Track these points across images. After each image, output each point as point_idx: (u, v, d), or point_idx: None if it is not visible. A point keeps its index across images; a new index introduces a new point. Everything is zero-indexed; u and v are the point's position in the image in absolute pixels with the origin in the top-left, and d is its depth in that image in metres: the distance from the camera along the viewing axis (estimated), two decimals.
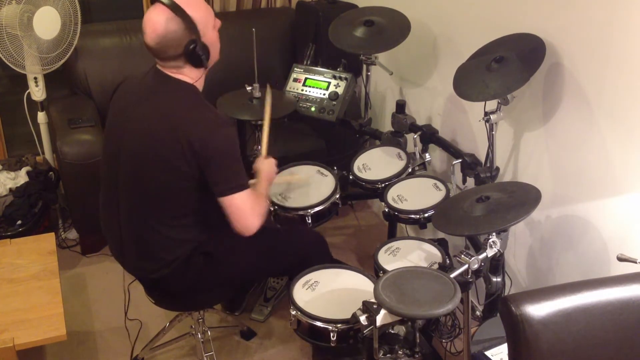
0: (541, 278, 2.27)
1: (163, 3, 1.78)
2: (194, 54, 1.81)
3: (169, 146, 1.81)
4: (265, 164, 2.13)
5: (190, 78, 1.88)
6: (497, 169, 2.24)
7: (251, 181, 2.02)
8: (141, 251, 1.97)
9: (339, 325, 1.86)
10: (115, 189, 1.95)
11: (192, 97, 1.87)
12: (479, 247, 1.91)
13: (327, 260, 2.26)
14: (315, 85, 2.85)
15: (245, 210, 1.88)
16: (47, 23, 2.75)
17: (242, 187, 1.87)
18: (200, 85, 1.92)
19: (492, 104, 2.12)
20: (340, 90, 2.80)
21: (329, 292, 2.00)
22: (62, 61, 2.92)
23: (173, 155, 1.81)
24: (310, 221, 2.33)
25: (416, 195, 2.34)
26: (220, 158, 1.82)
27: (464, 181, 2.34)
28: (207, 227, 1.99)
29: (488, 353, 1.87)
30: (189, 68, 1.86)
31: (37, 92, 2.99)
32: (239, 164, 1.89)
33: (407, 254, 2.14)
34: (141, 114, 1.86)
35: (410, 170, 2.48)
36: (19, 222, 2.78)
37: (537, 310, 1.32)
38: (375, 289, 1.66)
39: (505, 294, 2.21)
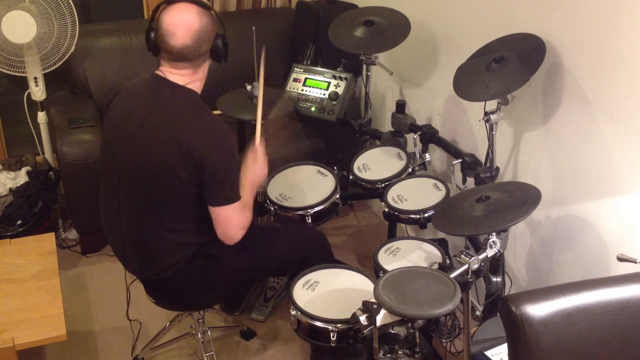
0: (541, 278, 2.27)
1: (188, 0, 1.79)
2: (220, 48, 1.85)
3: (171, 154, 1.80)
4: (252, 172, 2.01)
5: (196, 79, 1.88)
6: (497, 169, 2.24)
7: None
8: (144, 255, 1.97)
9: (339, 325, 1.86)
10: (116, 195, 1.94)
11: (194, 104, 1.87)
12: (479, 247, 1.91)
13: (327, 258, 2.26)
14: (315, 85, 2.85)
15: (231, 222, 1.90)
16: (20, 27, 2.71)
17: (234, 199, 1.87)
18: (201, 86, 1.92)
19: (492, 104, 2.12)
20: (340, 90, 2.80)
21: (329, 292, 2.00)
22: (61, 62, 2.91)
23: (174, 162, 1.80)
24: (310, 221, 2.33)
25: (416, 195, 2.34)
26: (217, 169, 1.82)
27: (464, 181, 2.34)
28: (210, 230, 1.98)
29: (488, 353, 1.87)
30: (205, 66, 1.89)
31: (37, 92, 2.99)
32: (236, 176, 1.90)
33: (407, 254, 2.14)
34: (142, 122, 1.85)
35: (410, 170, 2.48)
36: (19, 222, 2.78)
37: (537, 310, 1.32)
38: (375, 289, 1.66)
39: (505, 294, 2.21)
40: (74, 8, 2.83)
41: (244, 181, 2.03)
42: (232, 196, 1.88)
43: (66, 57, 2.91)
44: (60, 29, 2.84)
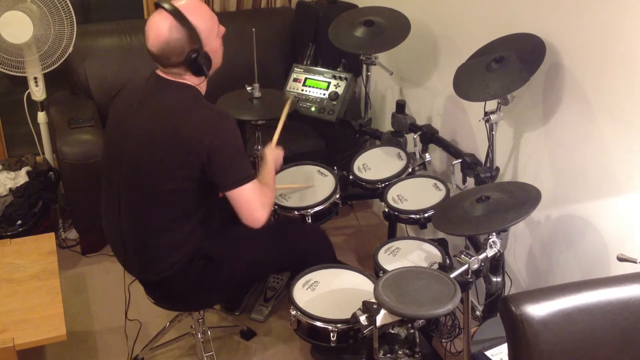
0: (541, 278, 2.27)
1: (167, 10, 1.75)
2: (196, 63, 1.80)
3: (170, 148, 1.80)
4: (274, 152, 2.15)
5: (189, 81, 1.87)
6: (497, 169, 2.24)
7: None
8: (144, 255, 1.97)
9: (339, 325, 1.86)
10: (117, 194, 1.94)
11: (192, 97, 1.86)
12: (479, 247, 1.91)
13: (329, 257, 2.26)
14: (315, 85, 2.85)
15: (252, 201, 1.86)
16: (17, 27, 2.71)
17: (248, 178, 1.85)
18: (202, 90, 1.91)
19: (492, 104, 2.12)
20: (340, 90, 2.80)
21: (329, 292, 2.00)
22: (59, 62, 2.91)
23: (174, 157, 1.80)
24: (310, 221, 2.33)
25: (416, 195, 2.34)
26: (223, 153, 1.80)
27: (464, 181, 2.34)
28: (209, 229, 1.98)
29: (488, 353, 1.87)
30: (190, 75, 1.85)
31: (37, 92, 2.99)
32: (243, 155, 1.87)
33: (407, 254, 2.14)
34: (142, 118, 1.85)
35: (410, 170, 2.48)
36: (19, 222, 2.78)
37: (537, 310, 1.32)
38: (375, 289, 1.66)
39: (505, 294, 2.21)
40: (71, 9, 2.82)
41: (268, 161, 2.07)
42: (245, 176, 1.85)
43: (64, 58, 2.90)
44: (58, 30, 2.83)
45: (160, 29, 1.76)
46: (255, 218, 1.88)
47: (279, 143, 2.26)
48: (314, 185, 2.46)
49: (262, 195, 1.89)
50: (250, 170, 1.88)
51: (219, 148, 1.79)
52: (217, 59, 1.89)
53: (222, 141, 1.80)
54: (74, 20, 2.84)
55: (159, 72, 1.88)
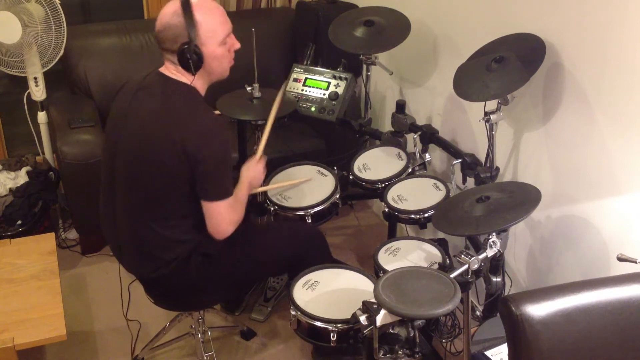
0: (541, 278, 2.27)
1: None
2: (183, 56, 1.81)
3: (164, 147, 1.80)
4: (252, 170, 2.11)
5: (187, 80, 1.87)
6: (497, 169, 2.24)
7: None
8: (139, 251, 1.97)
9: (339, 325, 1.86)
10: (113, 190, 1.95)
11: (190, 98, 1.86)
12: (479, 247, 1.91)
13: (326, 254, 2.26)
14: (315, 85, 2.85)
15: (223, 217, 1.90)
16: (6, 28, 2.73)
17: (227, 194, 1.88)
18: (201, 91, 1.92)
19: (492, 104, 2.12)
20: (340, 90, 2.80)
21: (329, 292, 2.00)
22: (55, 60, 2.91)
23: (168, 156, 1.80)
24: (310, 221, 2.33)
25: (416, 195, 2.34)
26: (212, 164, 1.82)
27: (464, 181, 2.34)
28: (206, 230, 1.98)
29: (488, 353, 1.87)
30: (183, 69, 1.86)
31: (37, 92, 2.99)
32: (227, 170, 1.90)
33: (407, 254, 2.14)
34: (137, 114, 1.86)
35: (410, 170, 2.48)
36: (19, 222, 2.78)
37: (537, 310, 1.32)
38: (375, 289, 1.66)
39: (505, 294, 2.21)
40: (61, 12, 2.81)
41: (243, 179, 2.04)
42: (224, 192, 1.88)
43: (59, 56, 2.90)
44: (46, 32, 2.82)
45: (165, 12, 1.81)
46: (219, 231, 1.92)
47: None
48: (311, 178, 2.45)
49: (232, 213, 1.93)
50: (229, 188, 1.91)
51: (205, 159, 1.80)
52: (215, 66, 1.88)
53: (211, 153, 1.81)
54: (64, 20, 2.84)
55: (161, 69, 1.89)
